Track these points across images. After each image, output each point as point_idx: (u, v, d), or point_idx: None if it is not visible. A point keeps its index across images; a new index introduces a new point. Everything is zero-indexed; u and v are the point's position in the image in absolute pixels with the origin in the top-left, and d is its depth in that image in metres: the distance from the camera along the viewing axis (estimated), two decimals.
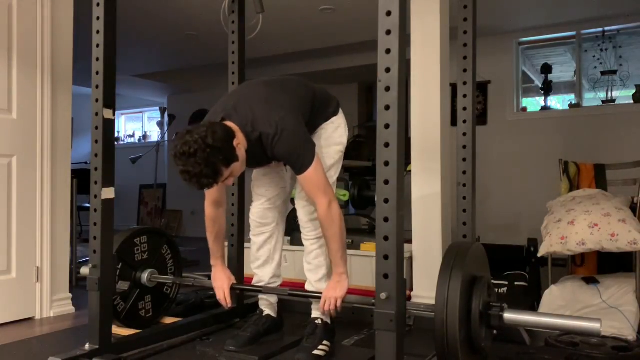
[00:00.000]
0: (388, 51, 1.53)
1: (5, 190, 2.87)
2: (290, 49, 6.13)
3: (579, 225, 2.60)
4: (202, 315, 2.70)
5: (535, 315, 1.84)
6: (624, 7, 4.87)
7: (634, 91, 5.15)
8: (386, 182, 1.54)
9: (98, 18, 2.05)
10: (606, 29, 5.30)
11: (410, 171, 2.86)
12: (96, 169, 2.06)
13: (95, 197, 2.06)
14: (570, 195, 3.03)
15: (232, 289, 2.34)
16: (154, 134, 9.31)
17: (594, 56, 5.40)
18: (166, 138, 7.98)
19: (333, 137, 2.29)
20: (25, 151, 2.95)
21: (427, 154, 2.82)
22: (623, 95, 5.33)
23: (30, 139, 2.97)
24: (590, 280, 2.75)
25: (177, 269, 2.85)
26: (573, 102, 5.53)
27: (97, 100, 2.06)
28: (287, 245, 3.19)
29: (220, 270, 2.36)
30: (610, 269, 2.97)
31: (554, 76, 5.63)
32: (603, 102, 5.37)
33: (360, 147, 5.79)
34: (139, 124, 9.82)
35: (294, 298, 2.43)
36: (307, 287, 2.35)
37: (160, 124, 8.14)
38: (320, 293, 2.11)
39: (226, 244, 2.58)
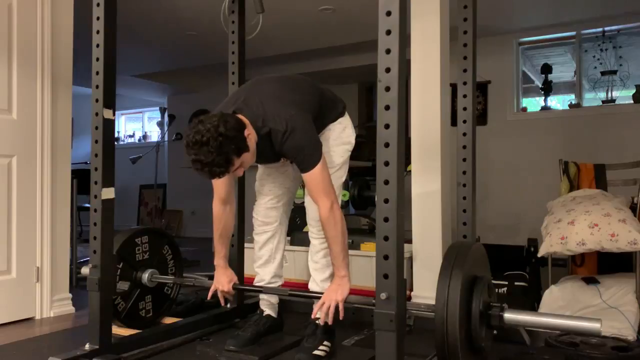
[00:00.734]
0: (388, 51, 1.53)
1: (5, 190, 2.87)
2: (290, 49, 6.13)
3: (579, 225, 2.60)
4: (202, 315, 2.70)
5: (535, 315, 1.84)
6: (624, 7, 4.87)
7: (634, 91, 5.15)
8: (386, 182, 1.54)
9: (98, 18, 2.05)
10: (606, 29, 5.30)
11: (410, 171, 2.86)
12: (96, 169, 2.06)
13: (95, 197, 2.06)
14: (570, 195, 3.03)
15: (233, 288, 2.34)
16: (154, 134, 9.31)
17: (594, 56, 5.40)
18: (166, 138, 7.98)
19: (341, 137, 2.32)
20: (25, 151, 2.95)
21: (427, 154, 2.82)
22: (623, 95, 5.33)
23: (30, 139, 2.97)
24: (590, 280, 2.75)
25: (177, 269, 2.85)
26: (573, 102, 5.53)
27: (97, 100, 2.06)
28: (287, 245, 3.18)
29: (222, 273, 2.36)
30: (610, 269, 2.96)
31: (554, 76, 5.63)
32: (603, 102, 5.37)
33: (360, 147, 5.77)
34: (139, 124, 9.82)
35: (295, 298, 2.43)
36: (311, 285, 2.35)
37: (160, 124, 8.14)
38: (321, 293, 2.10)
39: None
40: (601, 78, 5.37)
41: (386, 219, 1.54)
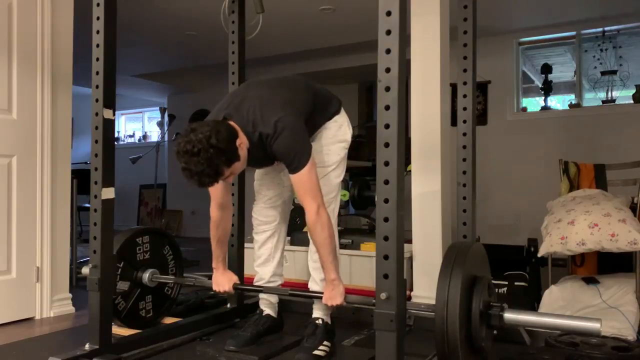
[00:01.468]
0: (388, 51, 1.53)
1: (5, 190, 2.87)
2: (290, 49, 6.13)
3: (579, 225, 2.60)
4: (202, 315, 2.70)
5: (535, 315, 1.84)
6: (624, 7, 4.87)
7: (634, 91, 5.15)
8: (386, 182, 1.54)
9: (98, 18, 2.05)
10: (606, 29, 5.30)
11: (410, 171, 2.86)
12: (96, 169, 2.06)
13: (95, 197, 2.06)
14: (570, 195, 3.03)
15: (234, 288, 2.34)
16: (154, 134, 9.31)
17: (594, 56, 5.40)
18: (166, 138, 7.98)
19: (337, 135, 2.30)
20: (25, 151, 2.95)
21: (427, 154, 2.82)
22: (623, 95, 5.33)
23: (30, 139, 2.97)
24: (590, 280, 2.75)
25: (178, 269, 2.85)
26: (573, 102, 5.53)
27: (97, 100, 2.06)
28: (287, 245, 3.18)
29: (221, 274, 2.36)
30: (610, 269, 2.96)
31: (554, 76, 5.63)
32: (603, 102, 5.37)
33: (360, 147, 5.79)
34: (139, 124, 9.82)
35: (295, 298, 2.43)
36: (311, 285, 2.35)
37: (160, 124, 8.14)
38: (322, 293, 2.10)
39: None
40: (601, 78, 5.37)
41: (386, 219, 1.54)
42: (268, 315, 2.45)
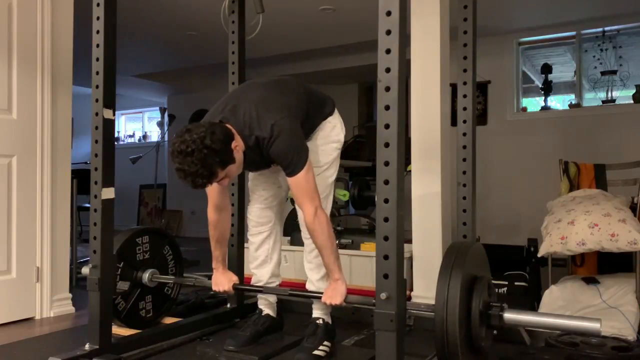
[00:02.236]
0: (388, 51, 1.53)
1: (5, 190, 2.87)
2: (290, 49, 6.13)
3: (579, 225, 2.60)
4: (202, 315, 2.70)
5: (535, 315, 1.84)
6: (624, 7, 4.87)
7: (634, 91, 5.15)
8: (386, 182, 1.54)
9: (98, 18, 2.05)
10: (606, 29, 5.30)
11: (410, 171, 2.86)
12: (96, 169, 2.06)
13: (95, 197, 2.06)
14: (570, 195, 3.03)
15: (233, 288, 2.34)
16: (154, 134, 9.31)
17: (594, 56, 5.40)
18: (166, 138, 7.97)
19: (330, 135, 2.30)
20: (25, 151, 2.95)
21: (427, 154, 2.82)
22: (623, 95, 5.34)
23: (30, 139, 2.97)
24: (590, 280, 2.75)
25: (178, 269, 2.85)
26: (573, 102, 5.53)
27: (97, 100, 2.06)
28: (287, 245, 3.19)
29: (221, 274, 2.36)
30: (610, 269, 2.96)
31: (554, 76, 5.63)
32: (603, 102, 5.37)
33: (360, 147, 5.79)
34: (139, 124, 9.82)
35: (295, 298, 2.43)
36: (308, 286, 2.35)
37: (160, 124, 8.13)
38: (321, 293, 2.10)
39: None
40: (601, 78, 5.37)
41: (386, 219, 1.54)
42: (267, 315, 2.45)
